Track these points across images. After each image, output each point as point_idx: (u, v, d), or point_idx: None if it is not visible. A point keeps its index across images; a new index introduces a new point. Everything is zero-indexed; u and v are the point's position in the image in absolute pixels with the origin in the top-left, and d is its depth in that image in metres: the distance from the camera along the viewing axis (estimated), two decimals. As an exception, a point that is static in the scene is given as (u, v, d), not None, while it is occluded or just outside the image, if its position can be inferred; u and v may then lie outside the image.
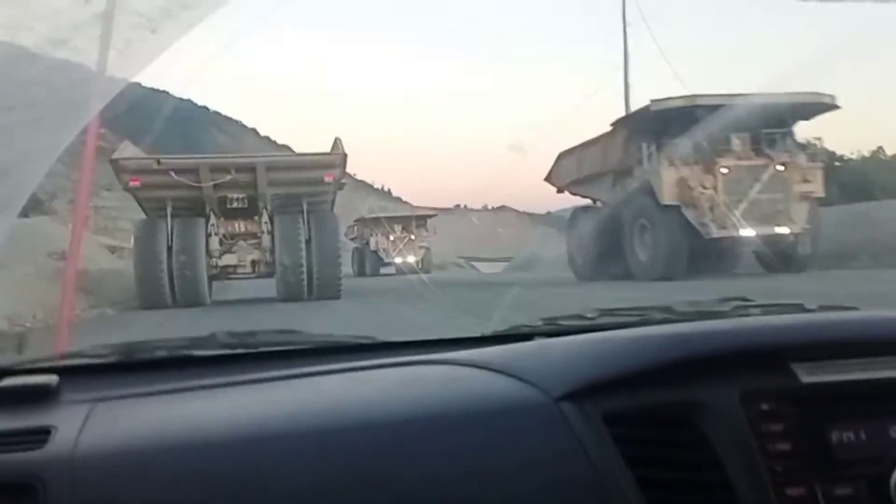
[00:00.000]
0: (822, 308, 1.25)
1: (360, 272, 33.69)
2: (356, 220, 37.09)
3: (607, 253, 15.52)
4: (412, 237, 34.66)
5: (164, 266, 13.17)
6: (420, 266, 31.72)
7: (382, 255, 33.98)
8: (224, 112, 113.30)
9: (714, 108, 13.51)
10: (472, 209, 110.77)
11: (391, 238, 34.33)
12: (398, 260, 33.39)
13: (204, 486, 0.76)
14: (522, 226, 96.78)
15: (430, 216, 36.87)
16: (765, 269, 14.69)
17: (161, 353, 1.18)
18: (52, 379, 0.94)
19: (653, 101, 15.41)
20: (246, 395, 0.96)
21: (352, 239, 37.02)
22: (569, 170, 18.54)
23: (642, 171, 15.26)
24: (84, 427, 0.83)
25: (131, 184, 13.53)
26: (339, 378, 1.00)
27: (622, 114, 18.05)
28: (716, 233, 14.06)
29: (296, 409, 0.89)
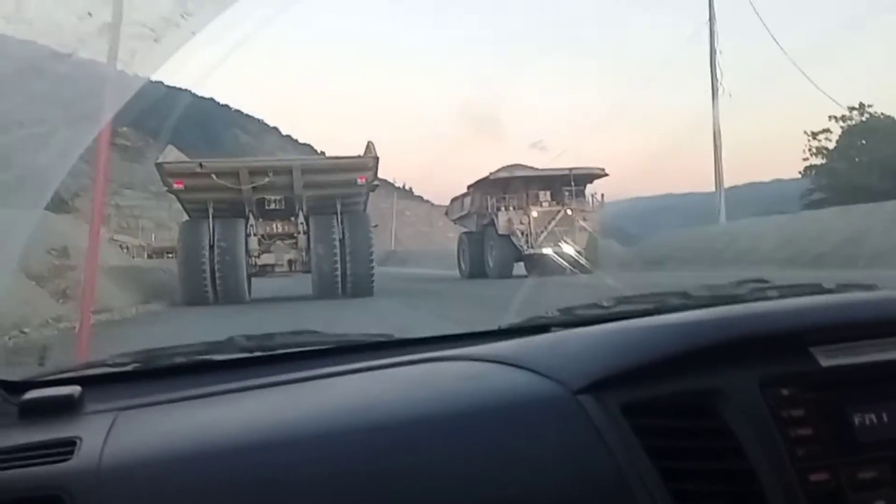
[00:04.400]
0: (841, 288, 1.20)
1: (476, 271, 21.22)
2: (471, 186, 22.83)
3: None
4: (569, 211, 20.18)
5: (207, 265, 13.43)
6: (584, 259, 18.12)
7: (520, 241, 20.15)
8: (246, 111, 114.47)
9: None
10: None
11: (535, 213, 20.30)
12: (546, 250, 19.20)
13: (229, 491, 0.74)
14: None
15: (597, 174, 21.31)
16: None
17: (180, 359, 1.16)
18: (75, 390, 0.92)
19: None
20: (266, 398, 0.93)
21: (457, 220, 24.48)
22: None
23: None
24: (108, 437, 0.82)
25: (175, 186, 13.83)
26: (358, 378, 0.97)
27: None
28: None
29: (316, 410, 0.87)
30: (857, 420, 0.81)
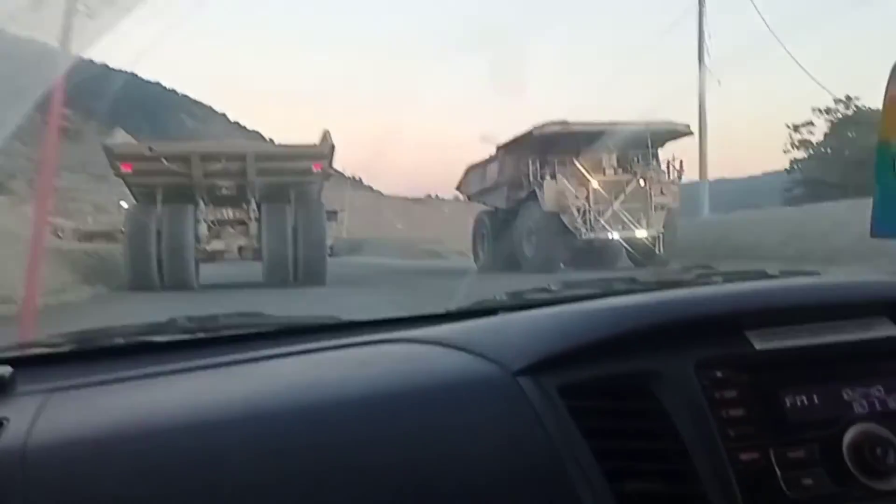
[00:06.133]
0: (784, 274, 1.23)
1: (502, 262, 16.02)
2: (501, 147, 17.20)
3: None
4: (642, 182, 15.28)
5: (153, 250, 13.11)
6: (659, 248, 14.77)
7: (575, 221, 15.05)
8: (193, 96, 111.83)
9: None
10: (443, 199, 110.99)
11: (596, 184, 15.17)
12: (613, 235, 14.95)
13: (161, 474, 0.72)
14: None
15: (680, 132, 16.31)
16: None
17: (119, 341, 1.12)
18: (5, 370, 0.88)
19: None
20: (205, 380, 0.92)
21: (477, 194, 18.63)
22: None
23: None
24: (37, 418, 0.79)
25: (123, 170, 13.44)
26: (300, 360, 0.96)
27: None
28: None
29: (255, 392, 0.85)
30: (788, 402, 0.83)
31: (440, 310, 1.27)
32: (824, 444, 0.81)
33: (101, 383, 0.91)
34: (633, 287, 1.24)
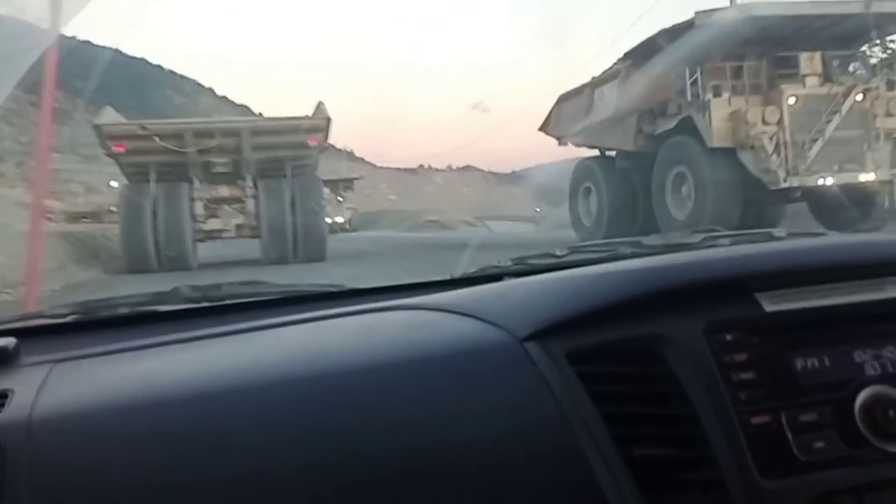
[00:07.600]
0: (791, 235, 1.23)
1: (623, 228, 11.47)
2: (629, 54, 11.65)
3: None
4: (860, 97, 9.75)
5: (150, 231, 13.09)
6: (893, 198, 10.13)
7: (764, 161, 9.67)
8: (179, 71, 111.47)
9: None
10: (436, 169, 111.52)
11: (792, 99, 9.73)
12: (827, 180, 9.73)
13: (166, 442, 0.73)
14: (488, 185, 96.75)
15: None
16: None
17: (123, 311, 1.14)
18: (10, 341, 0.90)
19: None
20: (210, 348, 0.93)
21: (578, 133, 13.12)
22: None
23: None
24: (42, 389, 0.80)
25: (115, 149, 13.34)
26: (304, 328, 0.96)
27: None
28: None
29: (260, 360, 0.86)
30: (798, 364, 0.83)
31: (445, 276, 1.27)
32: (836, 407, 0.81)
33: (106, 353, 0.92)
34: (638, 251, 1.24)
